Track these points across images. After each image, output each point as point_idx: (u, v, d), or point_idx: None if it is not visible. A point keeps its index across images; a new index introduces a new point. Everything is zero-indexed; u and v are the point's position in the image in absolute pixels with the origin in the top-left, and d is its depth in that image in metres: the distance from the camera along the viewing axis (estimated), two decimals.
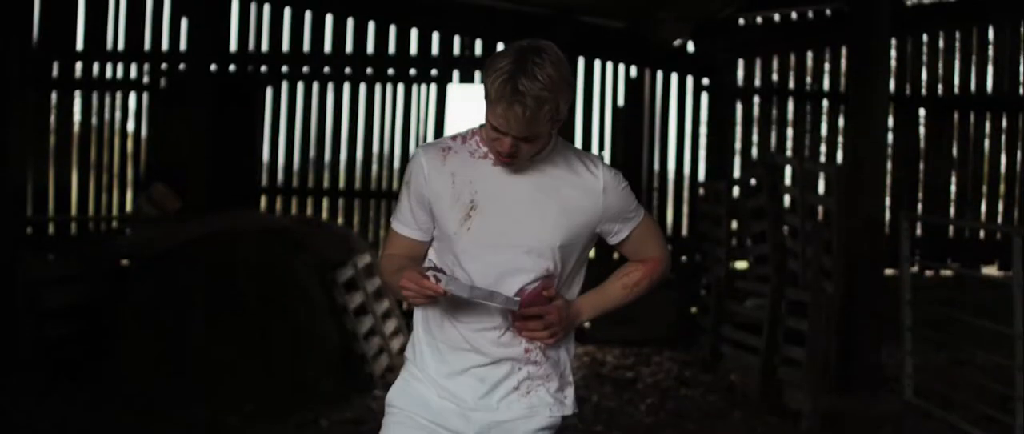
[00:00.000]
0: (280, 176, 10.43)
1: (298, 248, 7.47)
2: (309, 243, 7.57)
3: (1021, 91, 10.60)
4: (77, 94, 10.23)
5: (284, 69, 10.33)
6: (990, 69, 10.60)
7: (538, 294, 2.57)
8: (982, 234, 10.72)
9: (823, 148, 10.64)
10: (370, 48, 10.31)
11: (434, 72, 10.29)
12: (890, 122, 9.60)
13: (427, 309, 2.64)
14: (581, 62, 10.38)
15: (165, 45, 10.14)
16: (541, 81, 2.35)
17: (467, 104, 10.51)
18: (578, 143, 9.88)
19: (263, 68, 10.31)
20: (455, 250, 2.57)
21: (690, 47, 10.50)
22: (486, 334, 2.58)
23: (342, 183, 10.45)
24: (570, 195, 2.57)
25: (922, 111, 10.64)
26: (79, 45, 10.14)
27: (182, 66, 10.03)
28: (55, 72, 10.14)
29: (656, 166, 10.56)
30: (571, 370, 2.69)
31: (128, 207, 10.15)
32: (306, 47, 10.30)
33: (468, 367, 2.60)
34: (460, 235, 2.55)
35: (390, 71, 10.33)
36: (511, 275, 2.54)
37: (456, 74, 10.32)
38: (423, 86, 10.31)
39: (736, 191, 8.66)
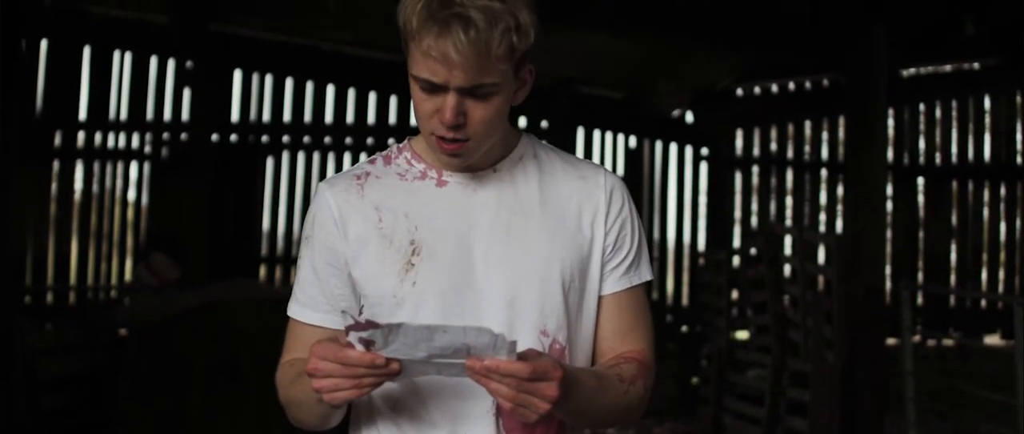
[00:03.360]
0: (280, 245, 10.43)
1: None
2: None
3: (1019, 160, 10.64)
4: (79, 163, 10.27)
5: (285, 139, 10.38)
6: (987, 138, 10.66)
7: (559, 358, 1.69)
8: (983, 303, 10.69)
9: (822, 217, 10.66)
10: (371, 118, 10.37)
11: None
12: (889, 191, 9.63)
13: (366, 405, 1.73)
14: (581, 133, 10.44)
15: (167, 115, 10.21)
16: None
17: None
18: None
19: (264, 138, 10.36)
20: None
21: (689, 117, 10.58)
22: (481, 409, 1.66)
23: None
24: (562, 205, 1.76)
25: (921, 180, 10.67)
26: (82, 115, 10.20)
27: (184, 136, 10.08)
28: (57, 141, 10.18)
29: (656, 235, 10.57)
30: None
31: (127, 276, 10.12)
32: (307, 117, 10.36)
33: None
34: (401, 298, 1.68)
35: (390, 141, 10.37)
36: None
37: None
38: None
39: (736, 261, 8.65)
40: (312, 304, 1.78)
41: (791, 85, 10.61)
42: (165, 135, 10.25)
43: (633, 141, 10.55)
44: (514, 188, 1.75)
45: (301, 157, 10.42)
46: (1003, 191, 10.68)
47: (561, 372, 1.50)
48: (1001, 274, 10.66)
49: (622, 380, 1.71)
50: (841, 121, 10.07)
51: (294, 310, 1.82)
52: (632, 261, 1.81)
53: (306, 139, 10.39)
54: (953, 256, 10.68)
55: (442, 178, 1.75)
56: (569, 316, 1.73)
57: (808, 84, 10.59)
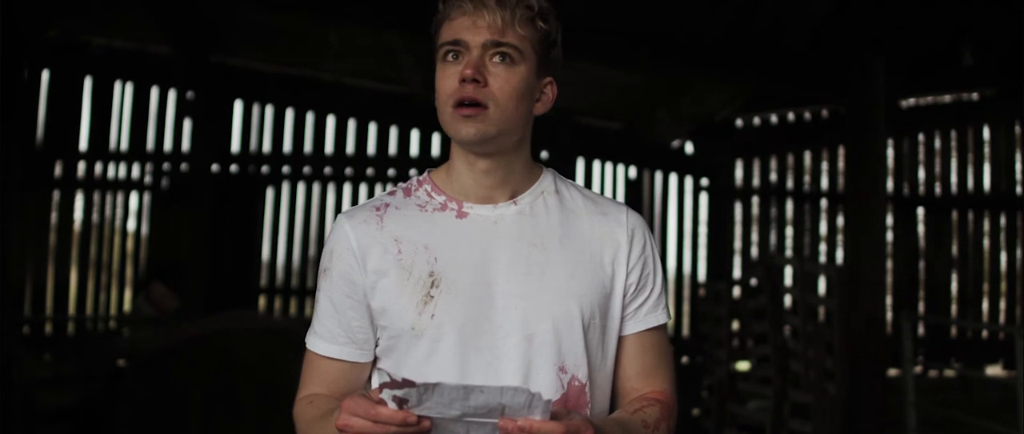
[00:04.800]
0: (279, 276, 10.42)
1: (296, 349, 7.39)
2: None
3: (1019, 190, 10.65)
4: (79, 193, 10.27)
5: (285, 169, 10.39)
6: (987, 168, 10.67)
7: (577, 401, 1.68)
8: (985, 334, 10.67)
9: (823, 247, 10.65)
10: (371, 149, 10.39)
11: None
12: (889, 221, 9.63)
13: None
14: (581, 163, 10.45)
15: (168, 146, 10.22)
16: None
17: None
18: None
19: (264, 168, 10.37)
20: (414, 356, 1.68)
21: (689, 148, 10.60)
22: None
23: None
24: (584, 241, 1.75)
25: (921, 210, 10.67)
26: (83, 145, 10.22)
27: (184, 166, 10.09)
28: (58, 171, 10.20)
29: None
30: None
31: (126, 307, 10.11)
32: (308, 148, 10.37)
33: None
34: (420, 330, 1.66)
35: (391, 171, 10.38)
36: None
37: None
38: None
39: (737, 291, 8.64)
40: (330, 337, 1.76)
41: (791, 116, 10.64)
42: (165, 165, 10.27)
43: (633, 171, 10.56)
44: (534, 222, 1.73)
45: (301, 188, 10.43)
46: (1003, 221, 10.68)
47: (592, 430, 1.49)
48: (1002, 304, 10.64)
49: (647, 426, 1.70)
50: (841, 151, 10.10)
51: (312, 342, 1.79)
52: (654, 302, 1.81)
53: (306, 170, 10.40)
54: (954, 286, 10.67)
55: (462, 210, 1.73)
56: (589, 353, 1.71)
57: (808, 115, 10.61)
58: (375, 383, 1.77)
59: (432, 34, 1.71)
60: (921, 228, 10.66)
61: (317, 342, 1.78)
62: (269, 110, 10.36)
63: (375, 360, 1.77)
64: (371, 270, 1.70)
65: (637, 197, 10.50)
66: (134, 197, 10.34)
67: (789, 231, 10.68)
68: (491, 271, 1.68)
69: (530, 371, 1.62)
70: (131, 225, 10.45)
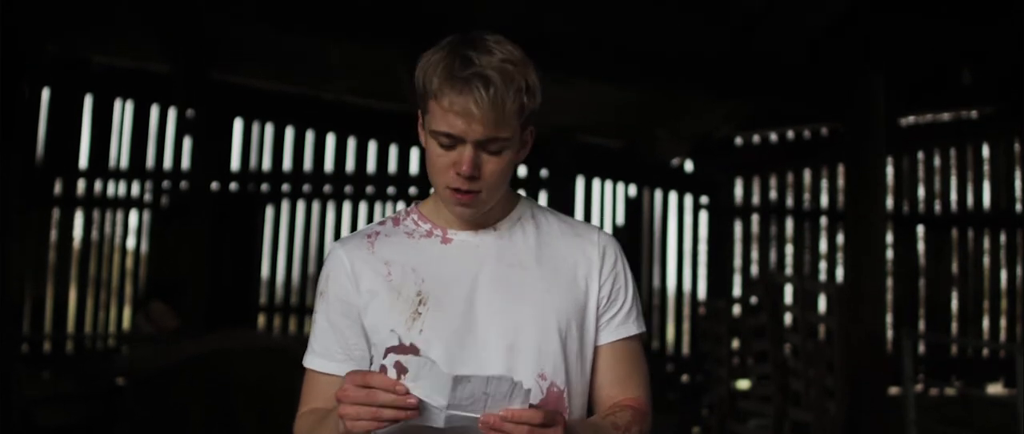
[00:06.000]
0: (279, 294, 10.41)
1: (296, 368, 7.38)
2: None
3: (1018, 207, 10.65)
4: (78, 211, 10.27)
5: (285, 187, 10.40)
6: (986, 186, 10.68)
7: (556, 406, 1.79)
8: (985, 352, 10.65)
9: (823, 265, 10.65)
10: (371, 167, 10.39)
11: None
12: (889, 239, 9.63)
13: None
14: (580, 181, 10.46)
15: (168, 164, 10.23)
16: (500, 54, 1.72)
17: None
18: None
19: (264, 187, 10.38)
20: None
21: (688, 166, 10.60)
22: None
23: None
24: (558, 260, 1.89)
25: (921, 228, 10.67)
26: (83, 163, 10.23)
27: (184, 184, 10.10)
28: (58, 189, 10.20)
29: (656, 284, 10.55)
30: None
31: (126, 325, 10.10)
32: (307, 166, 10.38)
33: None
34: (409, 344, 1.79)
35: (390, 190, 10.39)
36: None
37: None
38: None
39: (737, 309, 8.62)
40: (328, 354, 1.89)
41: (790, 134, 10.65)
42: (165, 183, 10.28)
43: (633, 190, 10.57)
44: (512, 245, 1.88)
45: (301, 206, 10.44)
46: (1003, 238, 10.68)
47: (564, 421, 1.62)
48: (1003, 322, 10.63)
49: (617, 428, 1.82)
50: (840, 169, 10.10)
51: (310, 361, 1.91)
52: (626, 314, 1.93)
53: (306, 188, 10.40)
54: (954, 304, 10.66)
55: (446, 236, 1.88)
56: (567, 362, 1.83)
57: (807, 133, 10.63)
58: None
59: (420, 95, 1.77)
60: (921, 246, 10.67)
61: (316, 360, 1.90)
62: (269, 128, 10.38)
63: None
64: (364, 291, 1.84)
65: (637, 215, 10.50)
66: (134, 215, 10.34)
67: (789, 249, 10.69)
68: (474, 290, 1.82)
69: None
70: (131, 243, 10.46)
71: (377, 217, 10.37)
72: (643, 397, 1.92)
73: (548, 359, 1.81)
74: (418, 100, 1.78)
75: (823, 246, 10.71)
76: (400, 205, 10.36)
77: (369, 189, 10.40)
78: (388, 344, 1.79)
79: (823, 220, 10.70)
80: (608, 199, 10.58)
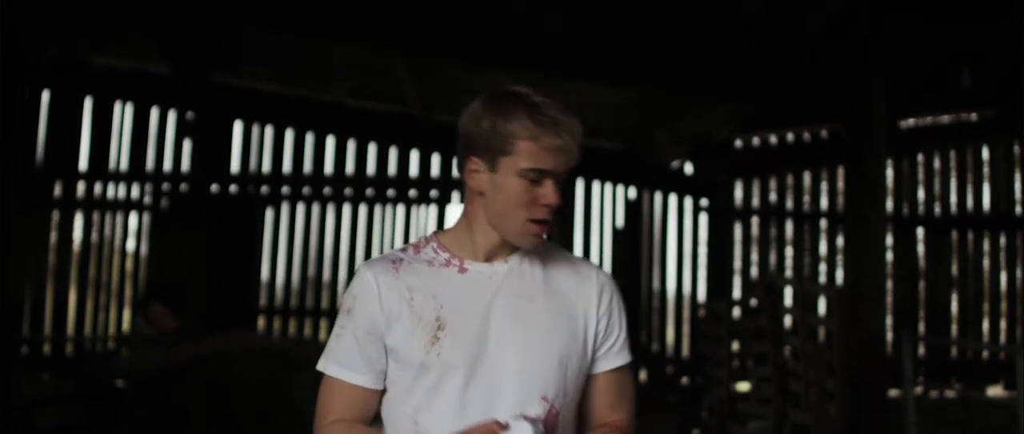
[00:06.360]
0: (279, 296, 10.40)
1: (296, 370, 7.39)
2: (307, 365, 7.47)
3: (1018, 209, 10.65)
4: (78, 213, 10.27)
5: (285, 190, 10.39)
6: (986, 188, 10.67)
7: (552, 425, 2.03)
8: (985, 354, 10.64)
9: (823, 267, 10.65)
10: (371, 169, 10.39)
11: (434, 193, 10.35)
12: (889, 242, 9.63)
13: None
14: (580, 184, 10.46)
15: (167, 166, 10.23)
16: (553, 101, 2.04)
17: None
18: None
19: (264, 189, 10.37)
20: (423, 387, 2.00)
21: (688, 168, 10.60)
22: None
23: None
24: (562, 295, 2.09)
25: (921, 230, 10.67)
26: (82, 165, 10.22)
27: (183, 186, 10.10)
28: (57, 191, 10.19)
29: (656, 286, 10.55)
30: None
31: (125, 326, 10.09)
32: (307, 168, 10.38)
33: None
34: (428, 365, 1.99)
35: (390, 192, 10.39)
36: (500, 415, 1.95)
37: (456, 195, 10.38)
38: (423, 207, 10.37)
39: (737, 312, 8.62)
40: (351, 366, 2.05)
41: (790, 136, 10.65)
42: (165, 186, 10.27)
43: (633, 192, 10.56)
44: (521, 277, 2.07)
45: (301, 208, 10.43)
46: (1003, 241, 10.68)
47: None
48: (1003, 324, 10.63)
49: None
50: (840, 171, 10.10)
51: (333, 369, 2.07)
52: (620, 346, 2.15)
53: (306, 190, 10.40)
54: (954, 306, 10.66)
55: (463, 266, 2.08)
56: (566, 387, 2.05)
57: (807, 135, 10.62)
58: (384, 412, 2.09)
59: (491, 142, 1.98)
60: (921, 248, 10.66)
61: (339, 370, 2.07)
62: (269, 130, 10.38)
63: (383, 391, 2.08)
64: (388, 312, 2.02)
65: (637, 217, 10.50)
66: (133, 217, 10.34)
67: (789, 251, 10.68)
68: (487, 317, 2.02)
69: (521, 400, 1.97)
70: (130, 245, 10.46)
71: (377, 220, 10.38)
72: (628, 420, 2.16)
73: (550, 384, 2.02)
74: (479, 149, 1.99)
75: (823, 248, 10.71)
76: (400, 208, 10.37)
77: (369, 191, 10.39)
78: (410, 363, 1.99)
79: (823, 222, 10.69)
80: (608, 201, 10.58)
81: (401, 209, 10.40)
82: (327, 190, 10.41)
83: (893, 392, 7.86)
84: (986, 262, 10.66)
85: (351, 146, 10.42)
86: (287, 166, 10.39)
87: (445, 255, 2.08)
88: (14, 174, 7.34)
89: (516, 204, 1.98)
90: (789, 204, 10.69)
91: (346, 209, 10.43)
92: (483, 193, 2.02)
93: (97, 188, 10.27)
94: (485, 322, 2.01)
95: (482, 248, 2.07)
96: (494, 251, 2.08)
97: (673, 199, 10.65)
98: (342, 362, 2.06)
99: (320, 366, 2.09)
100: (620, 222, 10.52)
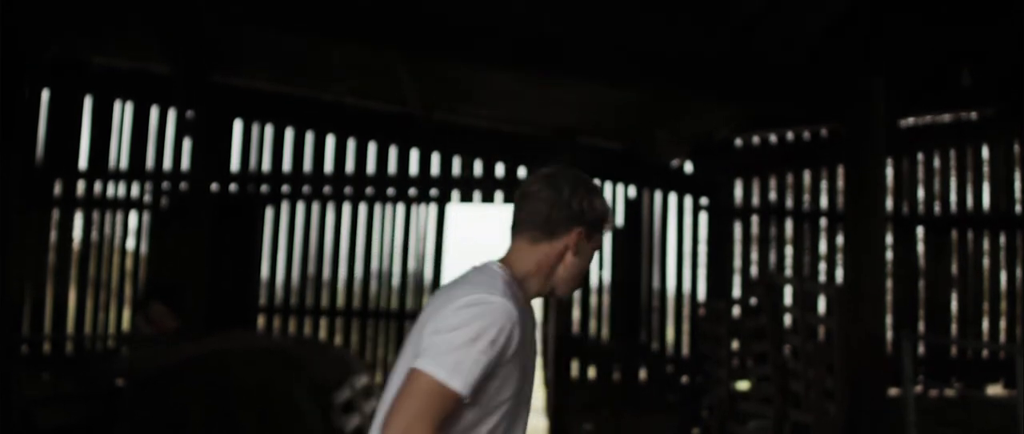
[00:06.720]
0: (279, 295, 10.40)
1: (295, 369, 7.39)
2: (306, 364, 7.50)
3: (1018, 209, 10.64)
4: (78, 212, 10.27)
5: (284, 189, 10.39)
6: (986, 187, 10.67)
7: None
8: (985, 353, 10.64)
9: (822, 266, 10.64)
10: (370, 168, 10.39)
11: (434, 192, 10.35)
12: (889, 241, 9.62)
13: None
14: None
15: (167, 165, 10.23)
16: None
17: (467, 224, 10.48)
18: None
19: (264, 188, 10.37)
20: (500, 411, 2.23)
21: (688, 168, 10.59)
22: None
23: (341, 302, 10.42)
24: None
25: (921, 229, 10.67)
26: (82, 164, 10.22)
27: (183, 185, 10.10)
28: (57, 190, 10.19)
29: (656, 285, 10.54)
30: None
31: (125, 326, 10.09)
32: (307, 167, 10.38)
33: None
34: (517, 393, 2.26)
35: (390, 191, 10.38)
36: None
37: (455, 194, 10.38)
38: (423, 206, 10.37)
39: (736, 311, 8.62)
40: (470, 384, 2.11)
41: (790, 135, 10.65)
42: (165, 184, 10.27)
43: (633, 191, 10.56)
44: (532, 314, 2.37)
45: (301, 207, 10.43)
46: (1003, 240, 10.67)
47: None
48: (1002, 323, 10.62)
49: None
50: (840, 171, 10.10)
51: (454, 383, 2.09)
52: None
53: (306, 189, 10.40)
54: (954, 305, 10.65)
55: (525, 307, 2.31)
56: None
57: (807, 134, 10.62)
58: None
59: (590, 218, 2.37)
60: (921, 247, 10.66)
61: (459, 384, 2.10)
62: (269, 129, 10.38)
63: None
64: (514, 352, 2.18)
65: (637, 216, 10.50)
66: (133, 216, 10.34)
67: (789, 250, 10.67)
68: (535, 353, 2.34)
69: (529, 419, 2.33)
70: (130, 244, 10.46)
71: (376, 219, 10.38)
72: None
73: None
74: (586, 223, 2.36)
75: (823, 247, 10.70)
76: (400, 207, 10.36)
77: (369, 190, 10.39)
78: (504, 395, 2.20)
79: (823, 221, 10.68)
80: (608, 200, 10.56)
81: (401, 208, 10.40)
82: (327, 189, 10.41)
83: (893, 391, 7.86)
84: (986, 261, 10.65)
85: (351, 145, 10.42)
86: (287, 165, 10.39)
87: (520, 295, 2.30)
88: (14, 173, 7.35)
89: (582, 270, 2.36)
90: (789, 203, 10.68)
91: (346, 208, 10.43)
92: (576, 255, 2.32)
93: (97, 187, 10.28)
94: (534, 357, 2.34)
95: (534, 293, 2.34)
96: (534, 296, 2.37)
97: (673, 198, 10.64)
98: (465, 378, 2.10)
99: (444, 376, 2.08)
100: (620, 221, 10.52)
